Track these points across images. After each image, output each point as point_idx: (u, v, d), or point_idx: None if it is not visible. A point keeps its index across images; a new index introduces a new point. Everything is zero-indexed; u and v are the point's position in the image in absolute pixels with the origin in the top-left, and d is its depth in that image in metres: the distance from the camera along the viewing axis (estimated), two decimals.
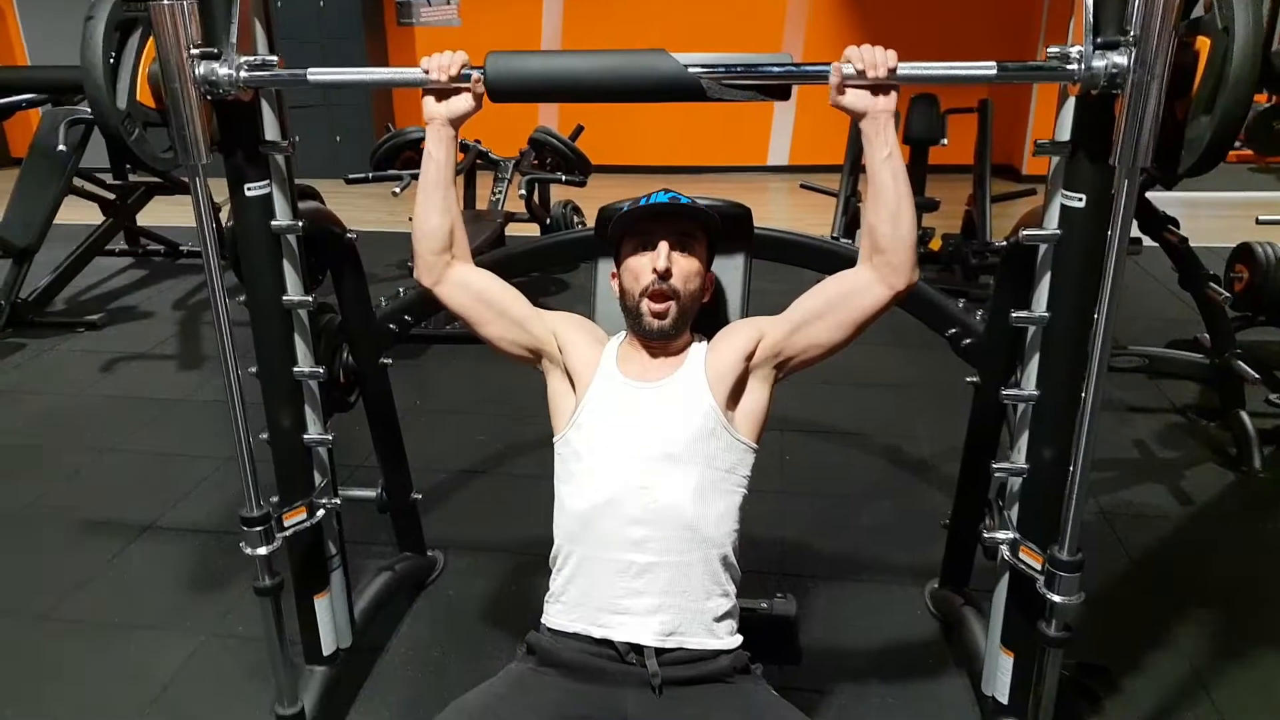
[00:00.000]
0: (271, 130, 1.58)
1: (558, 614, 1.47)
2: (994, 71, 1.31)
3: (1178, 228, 3.01)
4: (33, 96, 3.75)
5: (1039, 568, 1.47)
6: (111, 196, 4.54)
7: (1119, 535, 2.55)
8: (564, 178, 4.44)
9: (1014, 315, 1.48)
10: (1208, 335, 3.14)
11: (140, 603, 2.36)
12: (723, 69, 1.36)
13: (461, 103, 1.45)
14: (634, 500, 1.42)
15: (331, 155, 6.64)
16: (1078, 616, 1.45)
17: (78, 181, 4.32)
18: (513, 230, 4.56)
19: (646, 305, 1.47)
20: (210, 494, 2.84)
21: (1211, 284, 2.99)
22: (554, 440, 1.56)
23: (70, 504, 2.81)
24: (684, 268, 1.49)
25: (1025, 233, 1.44)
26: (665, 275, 1.46)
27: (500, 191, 4.63)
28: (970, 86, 4.19)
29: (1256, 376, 2.89)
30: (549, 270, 4.72)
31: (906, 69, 1.32)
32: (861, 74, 1.32)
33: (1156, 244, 3.07)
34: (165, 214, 5.04)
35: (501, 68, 1.41)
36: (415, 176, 4.82)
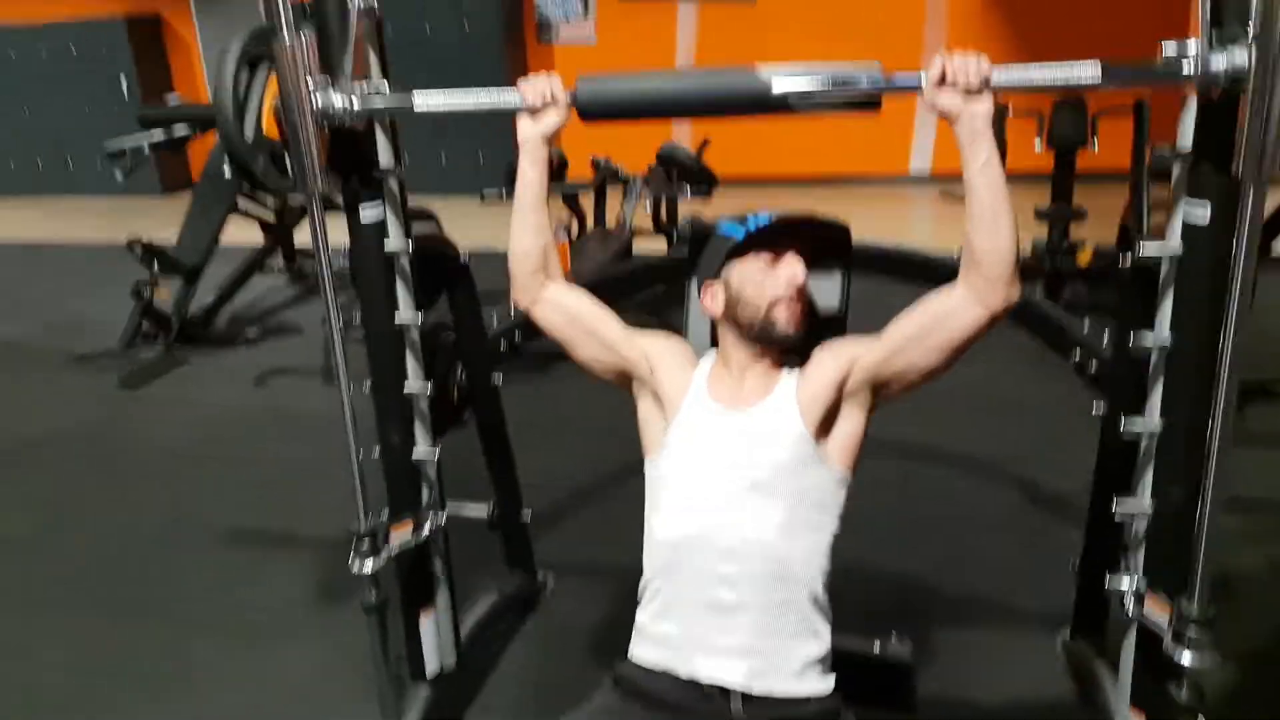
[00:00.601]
0: (385, 156, 1.65)
1: (645, 648, 1.45)
2: (1098, 74, 1.22)
3: None
4: (186, 130, 4.05)
5: (1167, 622, 1.34)
6: (270, 217, 4.84)
7: None
8: (690, 192, 4.45)
9: (1135, 341, 1.37)
10: None
11: (277, 611, 2.48)
12: (809, 81, 1.32)
13: (552, 117, 1.48)
14: (721, 534, 1.39)
15: (473, 171, 6.90)
16: (1215, 680, 1.31)
17: (241, 203, 4.64)
18: (639, 245, 4.59)
19: (781, 311, 1.45)
20: (346, 507, 2.96)
21: None
22: (646, 465, 1.55)
23: (215, 512, 2.99)
24: (806, 283, 1.48)
25: (1145, 246, 1.33)
26: (802, 289, 1.46)
27: (629, 208, 4.67)
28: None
29: None
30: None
31: (1001, 75, 1.25)
32: (954, 82, 1.25)
33: None
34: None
35: (591, 90, 1.43)
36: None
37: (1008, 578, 2.43)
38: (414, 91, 1.53)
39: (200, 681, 2.23)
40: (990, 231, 1.28)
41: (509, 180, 4.48)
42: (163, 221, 4.77)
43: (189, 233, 4.51)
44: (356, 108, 1.50)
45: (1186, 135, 1.26)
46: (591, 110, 1.44)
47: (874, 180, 7.10)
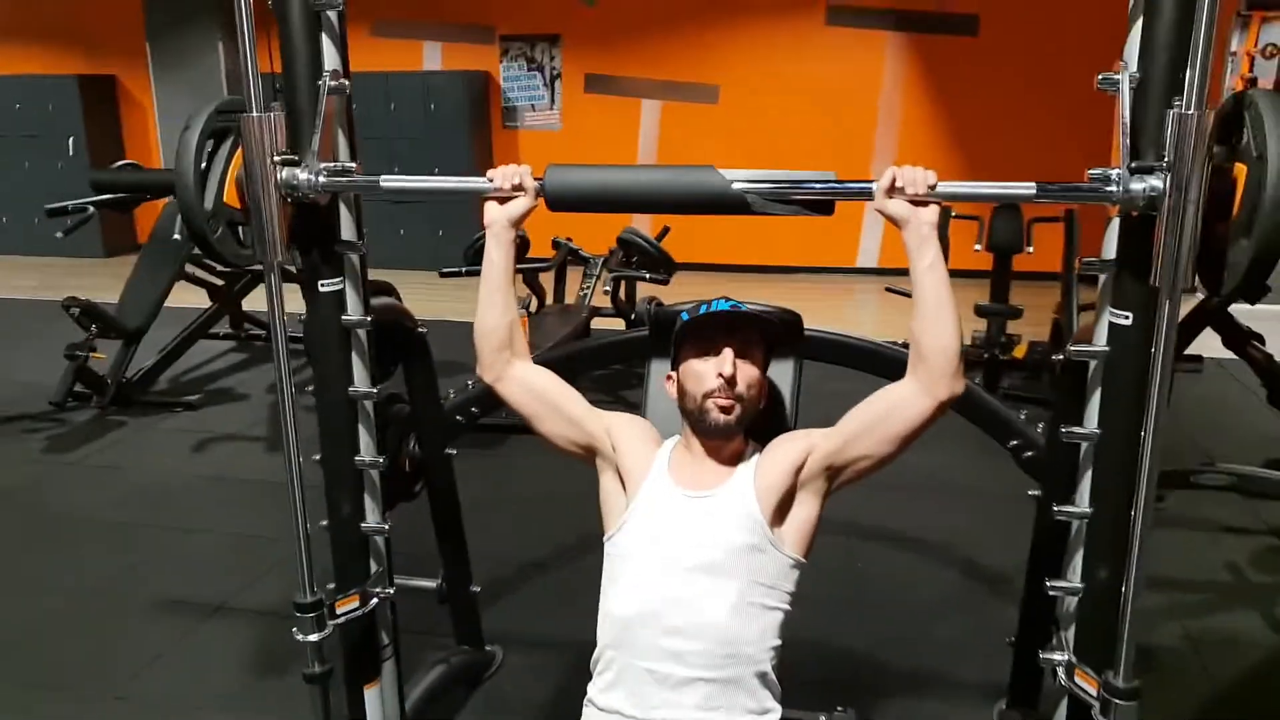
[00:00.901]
0: (348, 230, 1.68)
1: (595, 718, 1.46)
2: (1033, 191, 1.33)
3: (1263, 344, 2.90)
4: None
5: (1094, 694, 1.40)
6: (219, 283, 4.81)
7: (1205, 663, 2.39)
8: (649, 275, 4.55)
9: (1064, 431, 1.45)
10: None
11: (208, 683, 2.42)
12: (768, 185, 1.41)
13: (519, 204, 1.54)
14: (674, 612, 1.42)
15: (434, 247, 6.94)
16: None
17: (189, 268, 4.61)
18: (597, 324, 4.67)
19: (712, 403, 1.50)
20: (284, 576, 2.91)
21: None
22: (604, 539, 1.57)
23: (150, 581, 2.92)
24: (746, 374, 1.52)
25: (1074, 348, 1.43)
26: (731, 382, 1.49)
27: (588, 287, 4.76)
28: None
29: None
30: (630, 363, 4.79)
31: (947, 187, 1.35)
32: (901, 190, 1.34)
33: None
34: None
35: (559, 179, 1.50)
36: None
37: (949, 653, 2.49)
38: (381, 176, 1.58)
39: None
40: (935, 327, 1.37)
41: (469, 260, 4.59)
42: (104, 283, 4.71)
43: (132, 294, 4.45)
44: (322, 183, 1.55)
45: (1110, 248, 1.37)
46: (559, 199, 1.51)
47: (824, 270, 7.33)
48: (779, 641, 1.46)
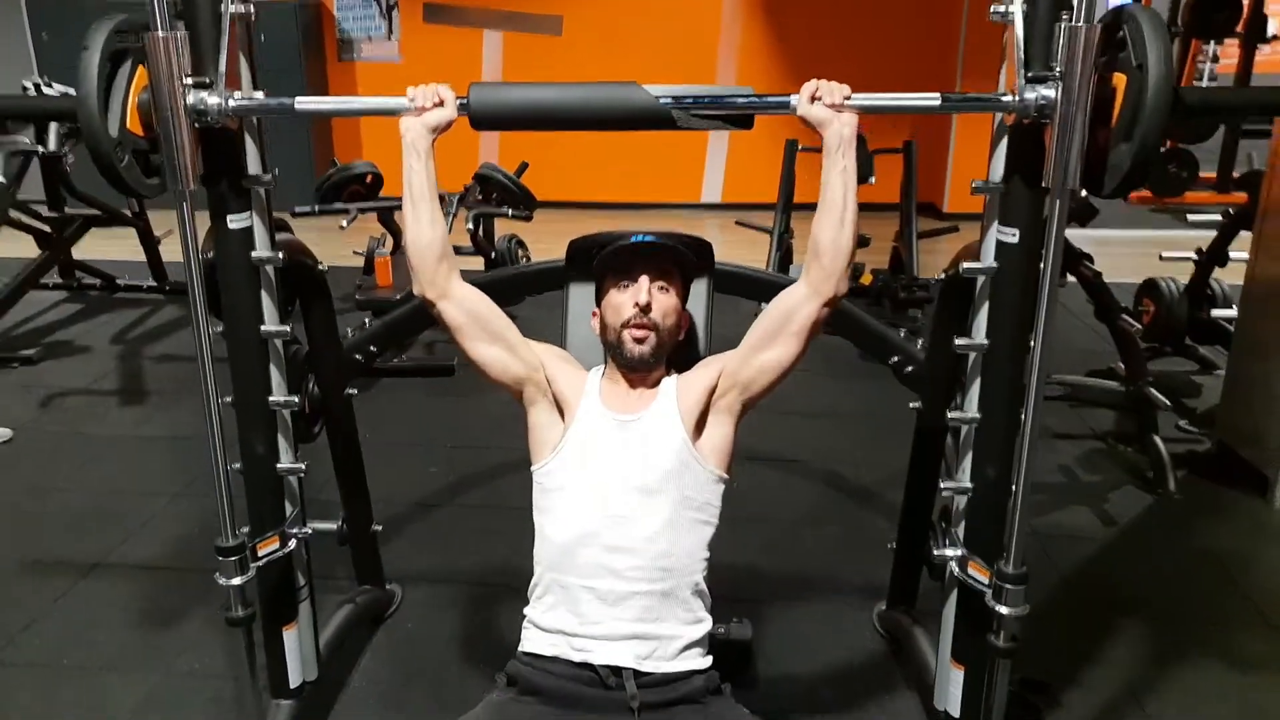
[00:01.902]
0: (253, 163, 1.63)
1: (537, 639, 1.52)
2: (938, 102, 1.44)
3: (1092, 263, 3.22)
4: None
5: (987, 582, 1.57)
6: (47, 229, 4.44)
7: (1051, 555, 2.69)
8: (510, 212, 4.51)
9: (957, 343, 1.60)
10: (1122, 365, 3.34)
11: (91, 643, 2.32)
12: (690, 100, 1.46)
13: (438, 113, 1.49)
14: (612, 531, 1.49)
15: (273, 191, 6.60)
16: (1024, 628, 1.55)
17: (14, 214, 4.22)
18: (459, 264, 4.60)
19: (629, 334, 1.56)
20: (157, 531, 2.81)
21: (1124, 316, 3.19)
22: (533, 469, 1.62)
23: (13, 544, 2.75)
24: (663, 303, 1.59)
25: (965, 266, 1.57)
26: (646, 309, 1.56)
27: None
28: (895, 128, 4.41)
29: (1167, 404, 3.10)
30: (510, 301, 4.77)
31: (859, 99, 1.45)
32: (820, 99, 1.44)
33: (1074, 279, 3.27)
34: (102, 248, 4.96)
35: (484, 97, 1.50)
36: (362, 210, 4.80)
37: (827, 561, 2.70)
38: (295, 98, 1.53)
39: None
40: (838, 226, 1.47)
41: (322, 198, 4.41)
42: None
43: None
44: (233, 106, 1.49)
45: (997, 170, 1.50)
46: (483, 117, 1.50)
47: (673, 206, 7.47)
48: (708, 554, 1.56)
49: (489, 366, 1.61)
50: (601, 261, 1.62)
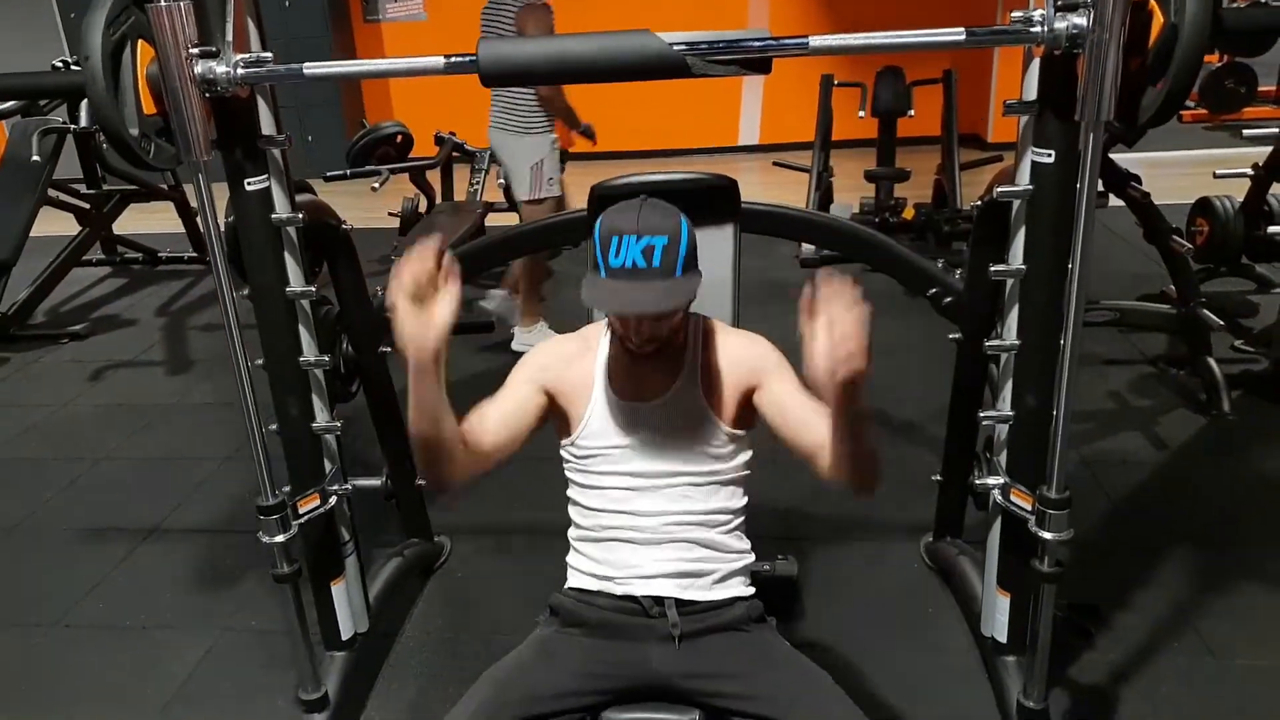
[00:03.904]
0: (268, 126, 1.62)
1: (580, 576, 1.52)
2: (962, 37, 1.37)
3: (1140, 184, 3.10)
4: (5, 107, 3.74)
5: (1030, 508, 1.55)
6: (86, 206, 4.52)
7: (1100, 482, 2.64)
8: None
9: (993, 269, 1.55)
10: (1174, 287, 3.23)
11: (152, 604, 2.40)
12: (705, 45, 1.41)
13: (444, 306, 1.25)
14: (639, 499, 1.47)
15: (304, 155, 6.63)
16: (1068, 553, 1.53)
17: (52, 192, 4.30)
18: (492, 220, 4.60)
19: (631, 341, 1.45)
20: (210, 495, 2.88)
21: (1175, 237, 3.08)
22: (561, 443, 1.56)
23: (71, 513, 2.83)
24: (659, 329, 1.43)
25: (999, 190, 1.51)
26: (644, 339, 1.44)
27: (478, 182, 4.65)
28: (934, 58, 4.26)
29: (1221, 324, 3.00)
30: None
31: (879, 38, 1.38)
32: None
33: (1121, 201, 3.16)
34: (141, 222, 5.03)
35: (494, 52, 1.46)
36: (394, 171, 4.80)
37: (873, 499, 2.64)
38: (304, 64, 1.51)
39: (79, 685, 2.14)
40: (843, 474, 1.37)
41: (353, 161, 4.41)
42: None
43: None
44: (241, 74, 1.48)
45: (1031, 90, 1.44)
46: (494, 73, 1.46)
47: (709, 151, 7.36)
48: (745, 500, 1.53)
49: (528, 439, 1.50)
50: (591, 289, 1.41)
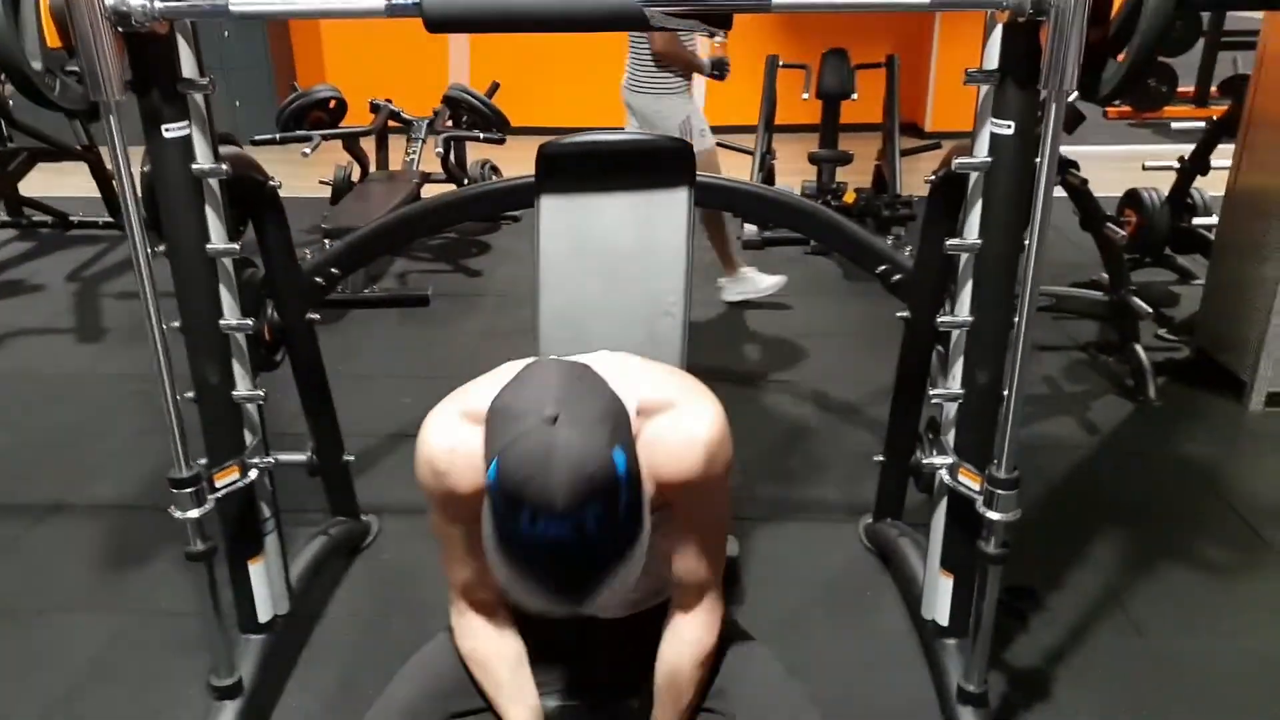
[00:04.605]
0: (189, 68, 1.50)
1: None
2: (928, 0, 1.33)
3: (1078, 171, 3.15)
4: None
5: (978, 488, 1.53)
6: None
7: (1035, 465, 2.66)
8: (481, 136, 4.36)
9: (949, 243, 1.52)
10: (1106, 275, 3.29)
11: (54, 585, 2.26)
12: None
13: None
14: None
15: (230, 121, 6.38)
16: (1014, 534, 1.51)
17: None
18: (429, 191, 4.47)
19: None
20: (121, 469, 2.72)
21: (1109, 224, 3.14)
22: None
23: None
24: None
25: (958, 161, 1.48)
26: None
27: (415, 152, 4.52)
28: (877, 42, 4.27)
29: (1149, 311, 3.07)
30: (468, 229, 4.65)
31: None
32: None
33: (1059, 188, 3.19)
34: (51, 184, 4.76)
35: None
36: (326, 137, 4.65)
37: (812, 476, 2.66)
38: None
39: None
40: None
41: (284, 125, 4.24)
42: None
43: None
44: (159, 8, 1.36)
45: (991, 59, 1.41)
46: (438, 18, 1.37)
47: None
48: None
49: None
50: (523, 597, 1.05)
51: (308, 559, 2.14)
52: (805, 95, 4.63)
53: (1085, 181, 3.11)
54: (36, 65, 1.39)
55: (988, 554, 1.52)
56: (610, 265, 1.64)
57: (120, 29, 1.34)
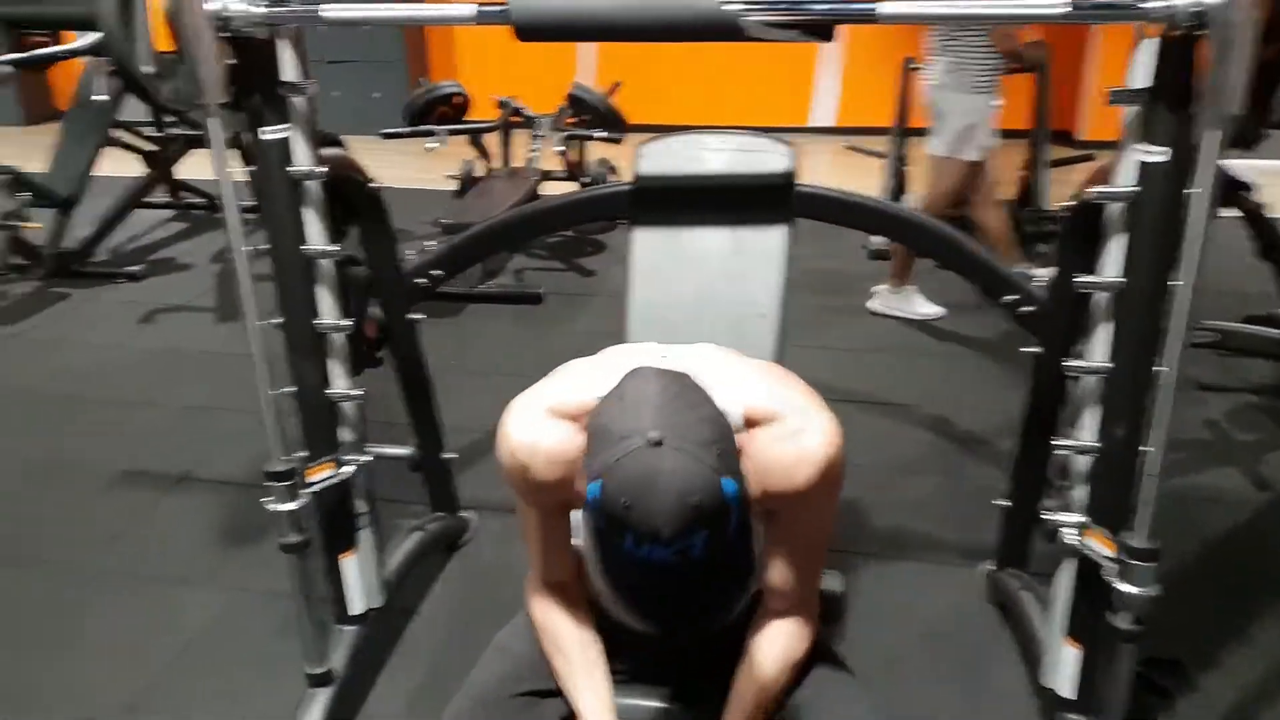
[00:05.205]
0: (290, 70, 1.50)
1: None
2: (1067, 9, 1.18)
3: (1249, 193, 2.84)
4: (69, 48, 3.73)
5: (1110, 554, 1.36)
6: (151, 148, 4.52)
7: (1192, 520, 2.40)
8: (597, 135, 4.33)
9: (1081, 280, 1.36)
10: None
11: (172, 556, 2.35)
12: (760, 6, 1.26)
13: None
14: None
15: (365, 111, 6.59)
16: (1153, 607, 1.34)
17: (117, 133, 4.30)
18: (548, 188, 4.48)
19: None
20: (244, 447, 2.81)
21: None
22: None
23: (105, 455, 2.80)
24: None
25: (1097, 190, 1.32)
26: None
27: (535, 149, 4.53)
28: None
29: None
30: (586, 229, 4.64)
31: (960, 6, 1.21)
32: None
33: (1229, 212, 2.88)
34: (205, 167, 5.03)
35: (528, 5, 1.32)
36: (451, 132, 4.73)
37: (927, 512, 2.48)
38: (320, 5, 1.39)
39: (91, 632, 2.10)
40: None
41: (412, 120, 4.34)
42: (26, 152, 4.39)
43: (61, 161, 4.14)
44: (260, 13, 1.36)
45: (1139, 78, 1.24)
46: (530, 27, 1.32)
47: (777, 130, 7.11)
48: None
49: None
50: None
51: (405, 553, 2.14)
52: None
53: (1260, 206, 2.79)
54: (148, 68, 1.42)
55: (1119, 630, 1.34)
56: (704, 265, 1.61)
57: (223, 34, 1.35)
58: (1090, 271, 1.38)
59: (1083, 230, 1.45)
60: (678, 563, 0.93)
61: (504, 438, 1.19)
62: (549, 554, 1.27)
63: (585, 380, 1.14)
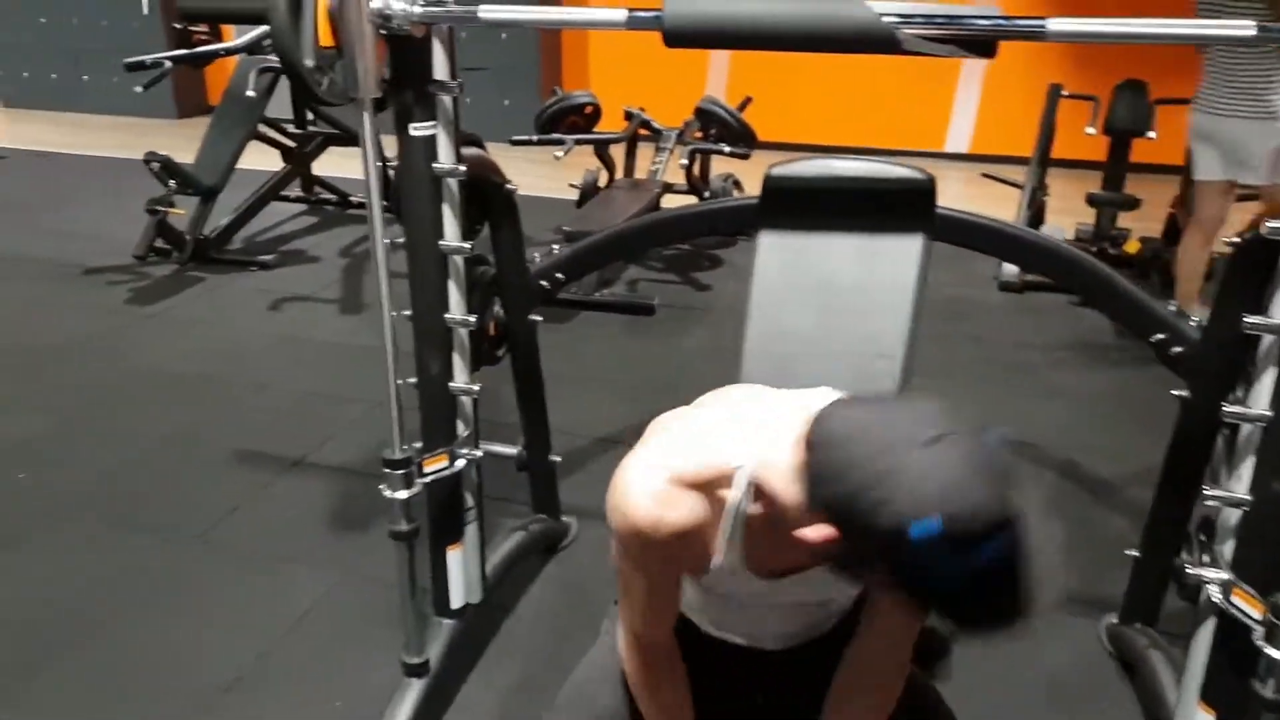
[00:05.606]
0: (441, 71, 1.54)
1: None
2: (1251, 32, 1.11)
3: None
4: (230, 45, 3.93)
5: (1258, 617, 1.26)
6: (291, 144, 4.72)
7: None
8: (727, 150, 4.30)
9: (1250, 320, 1.27)
10: None
11: (284, 535, 2.43)
12: (920, 19, 1.22)
13: None
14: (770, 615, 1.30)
15: (498, 118, 6.73)
16: None
17: (262, 128, 4.52)
18: (670, 201, 4.49)
19: None
20: (357, 435, 2.90)
21: None
22: None
23: (228, 434, 2.92)
24: None
25: (1271, 225, 1.23)
26: None
27: (661, 161, 4.54)
28: (1187, 73, 3.78)
29: None
30: (703, 243, 4.62)
31: (1140, 25, 1.15)
32: None
33: None
34: (338, 165, 5.24)
35: (682, 9, 1.31)
36: (579, 142, 4.78)
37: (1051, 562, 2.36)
38: (479, 5, 1.42)
39: (202, 603, 2.18)
40: None
41: (541, 128, 4.41)
42: (177, 143, 4.65)
43: (208, 152, 4.38)
44: (419, 13, 1.40)
45: None
46: (679, 33, 1.32)
47: (910, 154, 6.97)
48: None
49: None
50: None
51: (506, 552, 2.16)
52: (1090, 130, 4.20)
53: None
54: (309, 62, 1.48)
55: (1264, 699, 1.25)
56: (827, 299, 1.55)
57: (382, 31, 1.39)
58: (1259, 312, 1.29)
59: (1251, 268, 1.36)
60: (1022, 535, 0.88)
61: (625, 507, 1.09)
62: (653, 614, 1.21)
63: (710, 444, 1.06)
